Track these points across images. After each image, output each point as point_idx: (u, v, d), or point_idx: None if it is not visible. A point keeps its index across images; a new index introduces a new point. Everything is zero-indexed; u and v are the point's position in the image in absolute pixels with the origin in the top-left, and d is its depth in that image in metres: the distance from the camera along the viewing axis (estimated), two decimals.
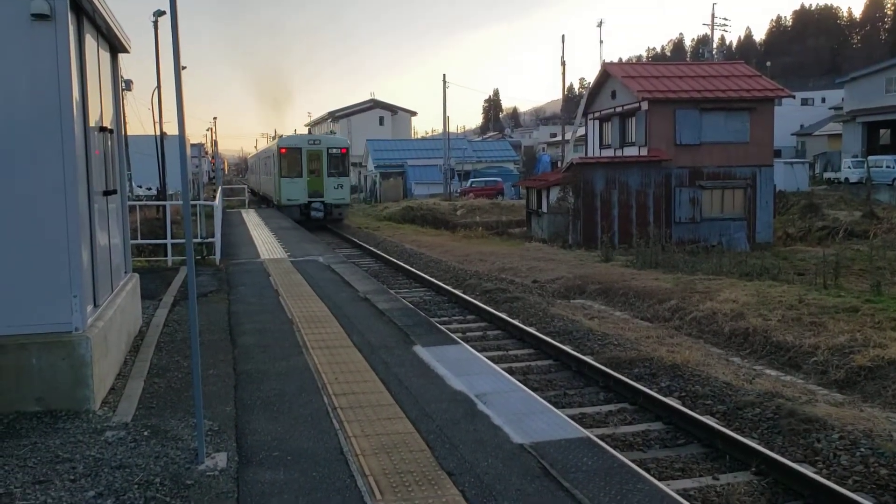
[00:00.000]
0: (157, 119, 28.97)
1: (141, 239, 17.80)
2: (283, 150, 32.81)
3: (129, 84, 27.76)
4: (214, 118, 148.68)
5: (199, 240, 17.63)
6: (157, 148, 28.73)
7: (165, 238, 17.26)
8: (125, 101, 23.47)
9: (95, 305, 7.23)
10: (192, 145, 65.99)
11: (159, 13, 25.95)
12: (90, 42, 7.40)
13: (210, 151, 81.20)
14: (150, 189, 43.87)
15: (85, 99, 7.03)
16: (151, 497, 4.82)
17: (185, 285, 13.20)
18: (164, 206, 19.38)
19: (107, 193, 7.96)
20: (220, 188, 33.96)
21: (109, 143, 8.26)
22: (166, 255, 16.95)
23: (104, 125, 7.96)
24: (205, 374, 7.42)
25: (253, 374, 7.70)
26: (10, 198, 6.28)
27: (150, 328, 9.81)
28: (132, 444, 5.70)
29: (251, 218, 34.92)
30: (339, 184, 32.63)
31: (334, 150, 32.82)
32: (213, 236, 18.04)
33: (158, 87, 27.61)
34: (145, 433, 5.96)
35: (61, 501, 4.74)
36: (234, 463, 5.40)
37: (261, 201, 43.95)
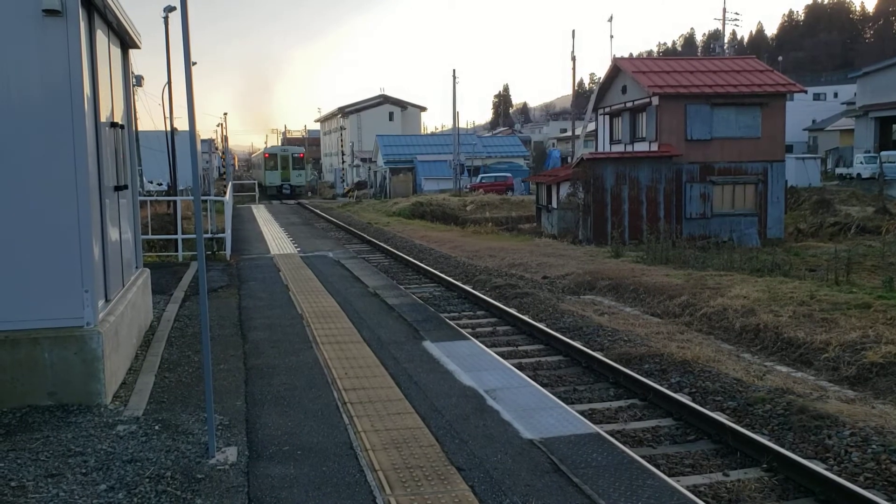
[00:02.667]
0: (167, 115, 29.06)
1: (152, 234, 17.88)
2: (266, 155, 59.89)
3: (139, 80, 27.86)
4: (225, 114, 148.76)
5: (209, 235, 17.69)
6: (167, 144, 28.82)
7: (176, 233, 17.33)
8: (136, 96, 23.55)
9: (107, 300, 7.27)
10: (203, 141, 66.18)
11: (170, 9, 25.99)
12: (101, 38, 7.43)
13: (220, 147, 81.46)
14: (160, 185, 44.07)
15: (96, 95, 7.05)
16: (162, 491, 4.84)
17: (195, 280, 13.25)
18: (175, 202, 19.46)
19: (118, 189, 8.00)
20: (230, 184, 34.12)
21: (120, 138, 8.29)
22: (177, 251, 17.02)
23: (115, 121, 7.99)
24: (215, 369, 7.46)
25: (263, 369, 7.73)
26: (21, 193, 6.31)
27: (160, 323, 9.86)
28: (143, 439, 5.73)
29: (261, 213, 35.04)
30: (299, 174, 58.63)
31: (295, 155, 59.21)
32: (223, 232, 18.11)
33: (169, 82, 27.67)
34: (156, 427, 5.99)
35: (73, 495, 4.77)
36: (244, 457, 5.43)
37: (261, 189, 56.22)
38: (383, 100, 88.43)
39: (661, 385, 8.53)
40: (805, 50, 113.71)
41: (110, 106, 7.77)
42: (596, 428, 6.09)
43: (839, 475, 6.17)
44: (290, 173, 57.27)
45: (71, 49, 6.27)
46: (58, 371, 6.36)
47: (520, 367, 8.91)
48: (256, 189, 53.81)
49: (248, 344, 8.85)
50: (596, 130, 34.08)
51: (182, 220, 17.88)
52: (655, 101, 27.03)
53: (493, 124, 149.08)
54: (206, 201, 20.67)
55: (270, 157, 58.40)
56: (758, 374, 9.32)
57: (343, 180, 69.38)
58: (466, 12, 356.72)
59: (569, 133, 63.99)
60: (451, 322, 10.38)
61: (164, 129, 31.09)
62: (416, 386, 7.13)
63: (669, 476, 5.59)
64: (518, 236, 28.98)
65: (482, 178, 54.95)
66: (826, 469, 6.28)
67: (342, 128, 78.88)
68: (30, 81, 6.28)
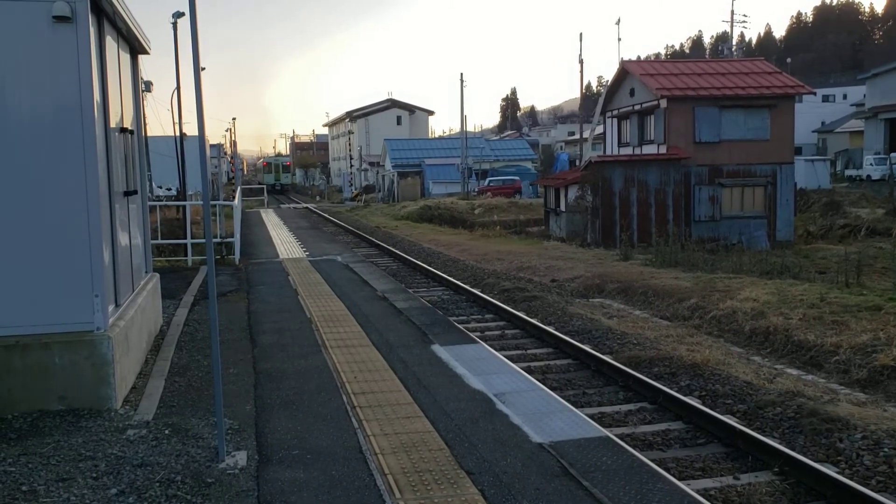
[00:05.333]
0: (176, 120, 29.16)
1: (161, 239, 17.94)
2: (265, 164, 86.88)
3: (148, 85, 27.97)
4: (233, 119, 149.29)
5: (218, 240, 17.74)
6: (176, 149, 28.90)
7: (185, 238, 17.38)
8: (145, 102, 23.66)
9: (117, 305, 7.30)
10: (211, 146, 66.55)
11: (178, 15, 26.08)
12: (110, 44, 7.46)
13: (229, 152, 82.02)
14: (169, 189, 44.21)
15: (105, 100, 7.09)
16: (173, 495, 4.85)
17: (204, 285, 13.29)
18: (184, 207, 19.52)
19: (127, 194, 8.03)
20: (238, 188, 34.24)
21: (130, 144, 8.32)
22: (186, 255, 17.07)
23: (124, 126, 8.03)
24: (225, 373, 7.47)
25: (272, 373, 7.74)
26: (31, 199, 6.35)
27: (170, 327, 9.89)
28: (153, 443, 5.75)
29: (270, 218, 35.13)
30: (286, 176, 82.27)
31: (284, 163, 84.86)
32: (232, 236, 18.16)
33: (178, 88, 27.76)
34: (166, 431, 6.00)
35: (84, 499, 4.79)
36: (254, 461, 5.44)
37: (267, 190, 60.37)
38: (391, 104, 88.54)
39: (670, 388, 8.51)
40: (814, 51, 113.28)
41: (120, 111, 7.81)
42: (605, 431, 6.07)
43: (851, 478, 6.14)
44: (280, 175, 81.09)
45: (81, 55, 6.30)
46: (68, 376, 6.38)
47: (529, 370, 8.90)
48: (265, 193, 54.05)
49: (258, 348, 8.87)
50: (604, 133, 34.06)
51: (191, 225, 17.93)
52: (663, 103, 26.98)
53: (501, 127, 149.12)
54: (215, 206, 20.74)
55: (268, 164, 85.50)
56: (768, 377, 9.28)
57: (351, 184, 69.50)
58: (474, 16, 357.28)
59: (577, 136, 63.94)
60: (459, 325, 10.37)
61: (172, 134, 31.21)
62: (425, 389, 7.13)
63: (680, 480, 5.56)
64: (526, 239, 28.96)
65: (490, 181, 54.89)
66: (837, 472, 6.25)
67: (350, 132, 79.05)
68: (40, 87, 6.31)
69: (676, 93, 26.81)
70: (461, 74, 57.23)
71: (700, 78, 28.06)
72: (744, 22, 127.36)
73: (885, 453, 6.61)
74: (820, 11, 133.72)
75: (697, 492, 5.18)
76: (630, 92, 30.07)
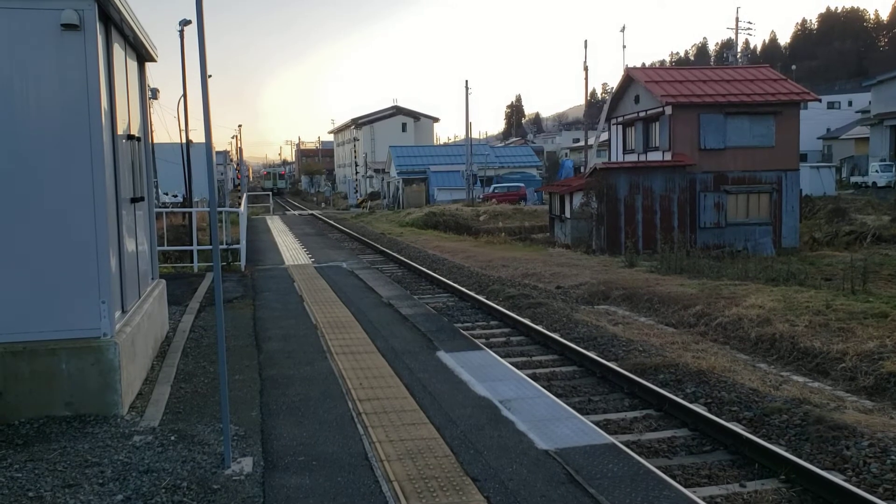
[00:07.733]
0: (182, 127, 29.27)
1: (167, 245, 17.98)
2: (265, 173, 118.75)
3: (155, 93, 28.09)
4: (239, 126, 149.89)
5: (224, 246, 17.77)
6: (182, 156, 29.02)
7: (191, 245, 17.42)
8: (151, 109, 23.74)
9: (123, 311, 7.32)
10: (217, 153, 66.70)
11: (185, 22, 26.21)
12: (118, 51, 7.50)
13: (235, 159, 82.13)
14: (175, 196, 44.36)
15: (113, 107, 7.12)
16: (178, 501, 4.86)
17: (210, 291, 13.31)
18: (190, 213, 19.58)
19: (134, 201, 8.06)
20: (244, 195, 34.33)
21: (136, 150, 8.36)
22: (192, 262, 17.10)
23: (132, 133, 8.06)
24: (230, 380, 7.47)
25: (278, 380, 7.75)
26: (40, 205, 6.38)
27: (176, 334, 9.91)
28: (159, 449, 5.75)
29: (276, 224, 35.20)
30: (282, 182, 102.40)
31: (280, 172, 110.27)
32: (238, 243, 18.19)
33: (184, 95, 27.89)
34: (172, 438, 6.01)
35: None
36: (259, 468, 5.44)
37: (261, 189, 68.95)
38: (396, 111, 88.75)
39: (676, 395, 8.49)
40: (819, 58, 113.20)
41: (127, 118, 7.85)
42: (611, 438, 6.06)
43: (858, 486, 6.12)
44: (276, 182, 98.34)
45: (89, 63, 6.34)
46: (75, 382, 6.40)
47: (534, 377, 8.89)
48: (271, 199, 54.35)
49: (263, 354, 8.88)
50: (609, 140, 34.04)
51: (197, 232, 17.97)
52: (668, 110, 26.98)
53: (506, 134, 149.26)
54: (220, 212, 20.79)
55: (268, 173, 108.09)
56: (774, 384, 9.26)
57: (356, 191, 69.60)
58: (479, 23, 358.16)
59: (581, 143, 63.93)
60: (464, 332, 10.38)
61: (179, 141, 31.32)
62: (431, 396, 7.13)
63: (686, 487, 5.55)
64: (531, 246, 28.94)
65: (495, 188, 54.95)
66: (844, 480, 6.23)
67: (355, 139, 79.36)
68: (48, 95, 6.35)
69: (681, 100, 26.81)
70: (466, 82, 57.30)
71: (705, 85, 28.06)
72: (749, 29, 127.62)
73: (892, 461, 6.58)
74: (825, 18, 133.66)
75: (704, 499, 5.18)
76: (635, 99, 30.08)
